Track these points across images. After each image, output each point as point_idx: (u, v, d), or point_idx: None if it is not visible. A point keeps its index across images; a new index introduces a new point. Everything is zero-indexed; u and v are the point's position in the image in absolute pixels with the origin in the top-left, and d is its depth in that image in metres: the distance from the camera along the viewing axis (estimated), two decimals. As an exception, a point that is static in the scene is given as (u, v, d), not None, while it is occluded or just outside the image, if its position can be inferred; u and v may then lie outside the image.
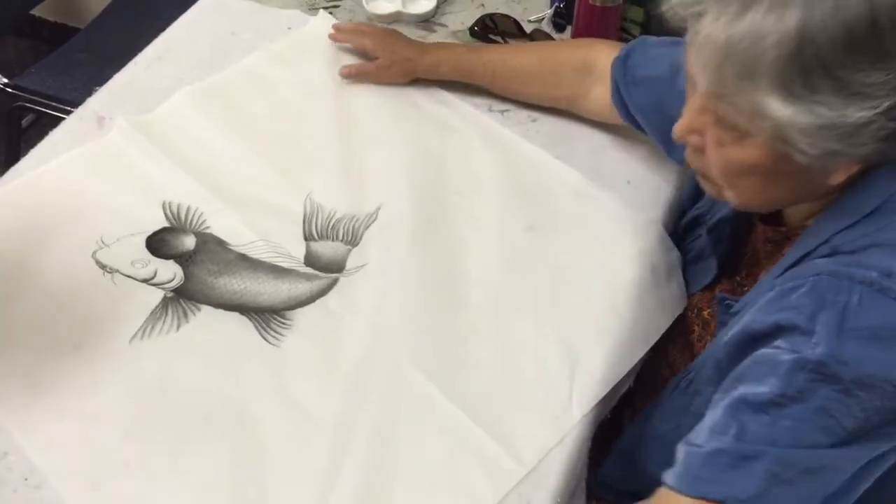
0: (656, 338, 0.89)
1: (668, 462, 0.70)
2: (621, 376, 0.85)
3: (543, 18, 1.21)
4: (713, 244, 0.86)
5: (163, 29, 1.19)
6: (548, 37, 1.15)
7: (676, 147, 0.91)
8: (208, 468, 0.75)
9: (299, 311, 0.87)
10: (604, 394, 0.83)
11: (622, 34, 1.15)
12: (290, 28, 1.19)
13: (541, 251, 0.93)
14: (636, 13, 1.14)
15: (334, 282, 0.89)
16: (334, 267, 0.91)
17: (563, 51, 1.04)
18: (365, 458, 0.76)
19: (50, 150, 1.00)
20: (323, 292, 0.88)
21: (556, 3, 1.19)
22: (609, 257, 0.93)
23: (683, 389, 0.81)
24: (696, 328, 0.88)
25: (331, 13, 1.21)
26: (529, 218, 0.96)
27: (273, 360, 0.83)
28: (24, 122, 1.71)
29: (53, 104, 1.54)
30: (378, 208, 0.96)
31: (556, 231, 0.95)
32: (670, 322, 0.91)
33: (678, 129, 0.71)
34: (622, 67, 0.95)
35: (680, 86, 0.86)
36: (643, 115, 0.95)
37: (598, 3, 1.07)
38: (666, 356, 0.92)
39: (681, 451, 0.69)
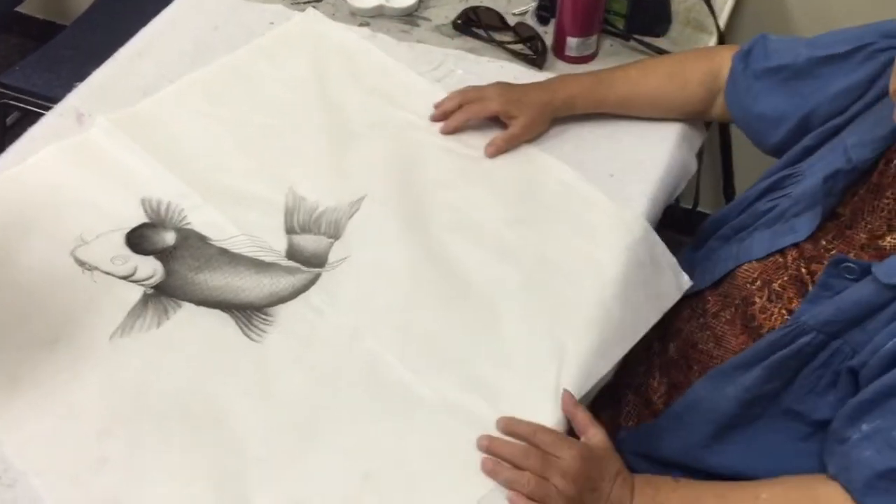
0: (643, 333, 0.89)
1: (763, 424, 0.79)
2: (606, 371, 0.85)
3: (527, 11, 1.20)
4: (824, 196, 0.83)
5: (149, 25, 1.18)
6: (531, 30, 1.14)
7: (776, 135, 0.94)
8: (188, 465, 0.74)
9: (281, 307, 0.86)
10: (588, 388, 0.83)
11: (606, 26, 1.15)
12: (272, 23, 1.18)
13: (528, 244, 0.92)
14: (620, 5, 1.14)
15: (316, 276, 0.89)
16: (316, 261, 0.90)
17: (688, 64, 1.03)
18: (348, 456, 0.76)
19: (28, 146, 1.00)
20: (305, 287, 0.88)
21: (541, -4, 1.18)
22: (597, 251, 0.92)
23: (807, 361, 0.79)
24: (757, 300, 0.85)
25: (314, 7, 1.21)
26: (517, 211, 0.96)
27: (255, 356, 0.82)
28: (9, 120, 1.70)
29: (38, 101, 1.53)
30: (361, 199, 0.95)
31: (543, 224, 0.95)
32: (659, 317, 0.90)
33: None
34: (743, 62, 0.97)
35: (807, 72, 0.91)
36: (756, 103, 0.95)
37: (581, -5, 1.07)
38: (708, 330, 0.90)
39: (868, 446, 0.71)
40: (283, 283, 0.88)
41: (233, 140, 1.02)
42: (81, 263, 0.88)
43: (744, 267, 0.89)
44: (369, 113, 1.06)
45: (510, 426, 0.78)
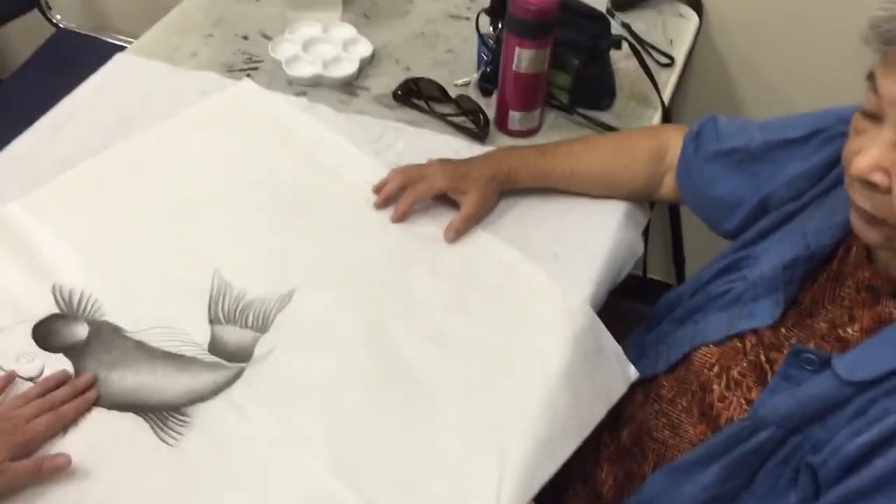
0: (591, 428, 0.84)
1: None
2: (553, 471, 0.80)
3: (469, 83, 1.17)
4: (784, 284, 0.80)
5: (85, 87, 1.12)
6: (473, 103, 1.11)
7: (734, 219, 0.92)
8: None
9: (200, 405, 0.79)
10: (534, 493, 0.78)
11: (549, 99, 1.12)
12: (205, 91, 1.13)
13: (470, 334, 0.87)
14: (563, 79, 1.11)
15: (240, 372, 0.82)
16: (240, 355, 0.84)
17: (633, 140, 1.01)
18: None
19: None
20: (227, 384, 0.81)
21: (483, 68, 1.16)
22: (541, 341, 0.87)
23: (767, 458, 0.75)
24: (716, 387, 0.82)
25: (248, 76, 1.16)
26: (458, 296, 0.91)
27: (170, 463, 0.75)
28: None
29: None
30: (292, 292, 0.90)
31: (485, 312, 0.89)
32: (606, 411, 0.86)
33: (861, 165, 0.65)
34: (693, 143, 0.95)
35: (761, 155, 0.89)
36: (711, 187, 0.93)
37: (521, 70, 1.04)
38: (663, 417, 0.86)
39: None
40: (204, 380, 0.81)
41: (156, 216, 0.96)
42: (-18, 361, 0.81)
43: (701, 351, 0.85)
44: (304, 188, 1.01)
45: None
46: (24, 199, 0.95)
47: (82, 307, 0.86)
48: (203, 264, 0.91)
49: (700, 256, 1.10)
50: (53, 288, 0.87)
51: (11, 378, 0.79)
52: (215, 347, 0.84)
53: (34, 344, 0.83)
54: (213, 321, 0.86)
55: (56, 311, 0.85)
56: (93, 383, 0.80)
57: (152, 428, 0.78)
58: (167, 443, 0.77)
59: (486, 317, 0.89)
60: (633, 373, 0.88)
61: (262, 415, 0.79)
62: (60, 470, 0.73)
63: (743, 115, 0.99)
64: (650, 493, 0.83)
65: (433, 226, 0.98)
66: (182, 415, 0.79)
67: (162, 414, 0.79)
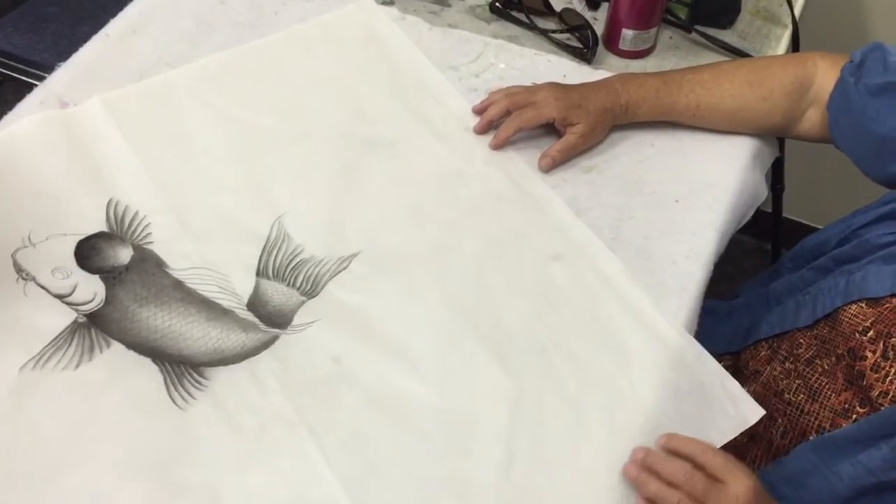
0: None
1: None
2: None
3: (576, -6, 1.03)
4: None
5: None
6: (580, 18, 0.97)
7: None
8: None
9: (221, 370, 0.72)
10: None
11: (666, 16, 0.99)
12: (286, -1, 1.02)
13: (544, 358, 0.75)
14: (685, -8, 0.97)
15: (272, 340, 0.74)
16: (279, 319, 0.75)
17: (773, 70, 0.89)
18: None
19: (4, 139, 0.85)
20: (256, 350, 0.73)
21: (592, -24, 1.01)
22: (628, 375, 0.74)
23: None
24: (869, 354, 0.73)
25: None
26: (535, 305, 0.78)
27: (172, 424, 0.69)
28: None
29: (20, 66, 1.39)
30: (353, 256, 0.80)
31: (567, 333, 0.76)
32: None
33: None
34: (855, 75, 0.84)
35: None
36: (877, 124, 0.81)
37: (640, -18, 0.90)
38: (799, 378, 0.78)
39: None
40: (233, 339, 0.74)
41: (236, 145, 0.88)
42: (19, 269, 0.76)
43: (851, 310, 0.76)
44: (400, 131, 0.90)
45: (671, 442, 0.68)
46: (106, 97, 0.89)
47: (132, 230, 0.80)
48: (267, 208, 0.83)
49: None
50: (109, 203, 0.81)
51: None
52: (255, 304, 0.76)
53: (73, 260, 0.77)
54: (260, 273, 0.78)
55: (104, 228, 0.80)
56: None
57: (165, 382, 0.71)
58: (177, 403, 0.70)
59: (567, 344, 0.76)
60: (755, 413, 0.73)
61: (283, 397, 0.70)
62: None
63: (878, 40, 0.85)
64: (795, 468, 0.74)
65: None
66: (200, 376, 0.72)
67: (179, 369, 0.72)
